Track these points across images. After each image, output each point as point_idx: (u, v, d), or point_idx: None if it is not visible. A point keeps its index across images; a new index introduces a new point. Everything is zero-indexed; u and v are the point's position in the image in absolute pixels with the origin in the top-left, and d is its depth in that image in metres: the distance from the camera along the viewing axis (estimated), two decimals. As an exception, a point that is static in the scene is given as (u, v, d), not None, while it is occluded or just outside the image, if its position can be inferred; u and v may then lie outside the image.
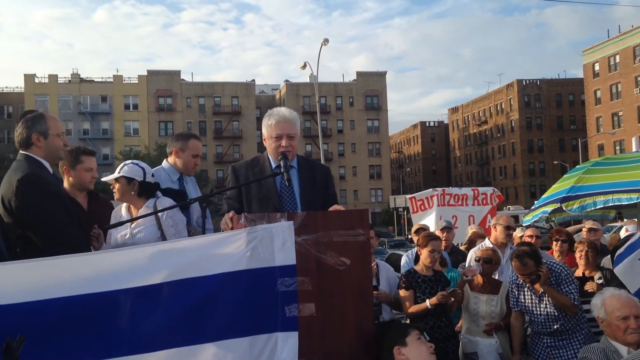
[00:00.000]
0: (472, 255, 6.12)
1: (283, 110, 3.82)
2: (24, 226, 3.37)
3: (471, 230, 8.44)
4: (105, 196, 4.68)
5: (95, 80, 72.70)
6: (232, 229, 3.09)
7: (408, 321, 5.48)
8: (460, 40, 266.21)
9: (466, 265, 6.18)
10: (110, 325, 2.53)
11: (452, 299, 5.15)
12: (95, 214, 4.26)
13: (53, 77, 70.18)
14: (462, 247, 8.17)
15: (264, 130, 3.82)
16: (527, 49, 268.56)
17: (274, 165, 3.78)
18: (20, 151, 3.61)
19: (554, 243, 6.57)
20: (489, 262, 5.39)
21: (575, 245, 5.81)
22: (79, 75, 72.00)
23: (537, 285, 4.82)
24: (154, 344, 2.58)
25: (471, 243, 7.32)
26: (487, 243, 6.18)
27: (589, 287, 5.26)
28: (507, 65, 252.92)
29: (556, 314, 4.73)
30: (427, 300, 5.07)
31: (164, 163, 4.81)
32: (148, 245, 3.58)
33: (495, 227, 6.33)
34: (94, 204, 4.42)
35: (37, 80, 69.76)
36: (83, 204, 4.31)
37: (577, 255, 5.63)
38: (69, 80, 70.97)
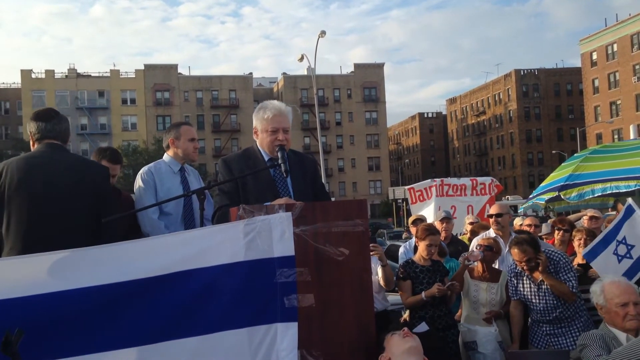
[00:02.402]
0: (474, 244, 6.12)
1: (277, 104, 3.79)
2: (104, 209, 3.59)
3: (468, 220, 8.45)
4: (127, 193, 4.73)
5: (92, 75, 72.51)
6: None
7: (407, 312, 5.50)
8: (459, 31, 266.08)
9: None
10: (107, 318, 2.54)
11: (449, 292, 5.17)
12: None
13: (50, 73, 69.98)
14: (461, 237, 8.19)
15: (257, 123, 3.77)
16: (526, 38, 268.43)
17: (266, 158, 3.75)
18: (58, 142, 3.74)
19: (556, 232, 6.57)
20: (490, 249, 5.40)
21: (573, 234, 5.80)
22: (76, 70, 71.79)
23: (535, 274, 4.84)
24: (153, 336, 2.58)
25: (473, 234, 7.32)
26: (490, 233, 6.18)
27: (594, 272, 5.27)
28: (505, 56, 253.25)
29: (555, 302, 4.74)
30: (423, 292, 5.08)
31: (165, 156, 4.81)
32: (146, 238, 3.59)
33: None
34: (116, 200, 4.50)
35: (34, 76, 69.55)
36: None
37: (576, 244, 5.64)
38: (66, 76, 70.78)
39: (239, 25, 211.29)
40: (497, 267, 5.72)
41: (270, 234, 2.83)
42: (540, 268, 4.75)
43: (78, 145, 65.89)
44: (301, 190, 3.66)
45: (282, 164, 3.44)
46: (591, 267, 5.40)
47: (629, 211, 5.20)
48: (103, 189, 3.66)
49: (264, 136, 3.73)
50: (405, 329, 3.13)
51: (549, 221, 8.46)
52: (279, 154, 3.51)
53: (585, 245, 5.52)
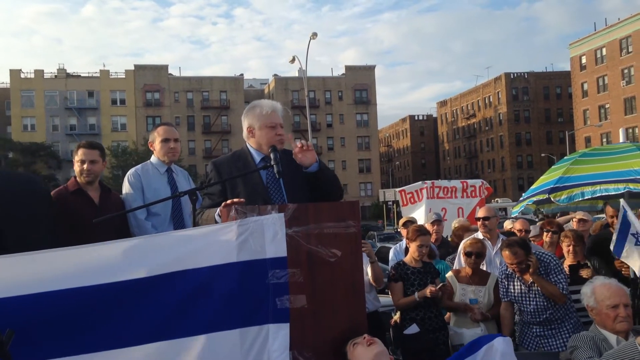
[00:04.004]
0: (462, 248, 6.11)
1: (271, 101, 3.81)
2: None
3: (457, 224, 8.45)
4: (116, 192, 4.72)
5: (82, 75, 72.02)
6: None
7: (398, 313, 5.51)
8: (450, 34, 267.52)
9: (455, 260, 6.20)
10: (99, 318, 2.52)
11: (441, 293, 5.18)
12: (106, 208, 4.35)
13: (39, 73, 69.43)
14: (450, 239, 8.20)
15: (253, 121, 3.73)
16: (516, 42, 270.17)
17: (257, 159, 3.72)
18: None
19: (545, 234, 6.60)
20: (480, 256, 5.41)
21: (562, 239, 5.82)
22: (65, 70, 71.31)
23: (526, 276, 4.86)
24: (144, 337, 2.57)
25: (458, 237, 7.32)
26: (478, 235, 6.20)
27: (585, 273, 5.30)
28: (496, 59, 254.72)
29: (545, 303, 4.77)
30: (416, 293, 5.09)
31: (152, 158, 4.85)
32: (138, 238, 3.57)
33: None
34: (106, 199, 4.51)
35: (23, 76, 68.95)
36: (95, 198, 4.45)
37: (565, 249, 5.65)
38: (55, 76, 70.25)
39: (230, 27, 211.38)
40: (484, 269, 5.74)
41: (262, 235, 2.83)
42: (530, 270, 4.78)
43: (67, 145, 65.45)
44: (294, 190, 3.64)
45: (274, 165, 3.42)
46: (581, 268, 5.43)
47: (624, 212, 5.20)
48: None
49: (264, 132, 3.69)
50: (366, 335, 3.03)
51: (537, 223, 8.50)
52: (272, 155, 3.48)
53: (575, 252, 5.54)
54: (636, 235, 5.02)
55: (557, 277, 4.80)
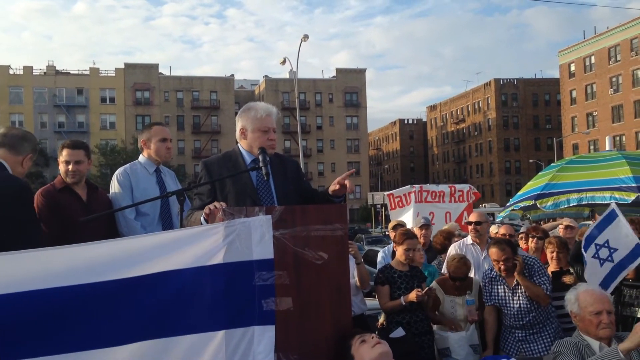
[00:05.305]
0: (452, 250, 6.08)
1: (267, 105, 3.80)
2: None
3: (448, 228, 8.46)
4: (103, 190, 4.71)
5: (72, 72, 71.57)
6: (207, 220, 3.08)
7: (384, 316, 5.51)
8: (441, 39, 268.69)
9: (445, 263, 6.21)
10: (84, 318, 2.51)
11: (427, 297, 5.18)
12: (94, 205, 4.38)
13: (28, 69, 68.93)
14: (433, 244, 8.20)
15: (246, 123, 3.72)
16: (506, 48, 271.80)
17: (248, 160, 3.72)
18: None
19: (530, 239, 6.64)
20: (463, 279, 5.38)
21: (546, 245, 5.86)
22: (55, 67, 70.82)
23: (510, 279, 4.91)
24: (129, 336, 2.56)
25: (449, 240, 7.30)
26: (467, 240, 6.22)
27: (567, 279, 5.34)
28: (486, 65, 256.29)
29: (528, 305, 4.83)
30: (402, 297, 5.09)
31: (140, 157, 4.80)
32: (125, 238, 3.56)
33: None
34: (93, 196, 4.51)
35: (11, 72, 68.43)
36: (82, 196, 4.44)
37: (549, 256, 5.70)
38: (45, 72, 69.76)
39: (222, 27, 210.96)
40: (473, 274, 5.75)
41: (249, 236, 2.83)
42: (517, 269, 4.82)
43: (55, 143, 64.93)
44: (284, 192, 3.64)
45: (262, 167, 3.42)
46: (564, 274, 5.48)
47: (611, 216, 5.23)
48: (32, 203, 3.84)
49: (256, 135, 3.69)
50: (374, 334, 3.09)
51: (522, 228, 8.55)
52: (260, 157, 3.48)
53: (558, 258, 5.58)
54: (598, 247, 5.10)
55: (541, 278, 4.87)
